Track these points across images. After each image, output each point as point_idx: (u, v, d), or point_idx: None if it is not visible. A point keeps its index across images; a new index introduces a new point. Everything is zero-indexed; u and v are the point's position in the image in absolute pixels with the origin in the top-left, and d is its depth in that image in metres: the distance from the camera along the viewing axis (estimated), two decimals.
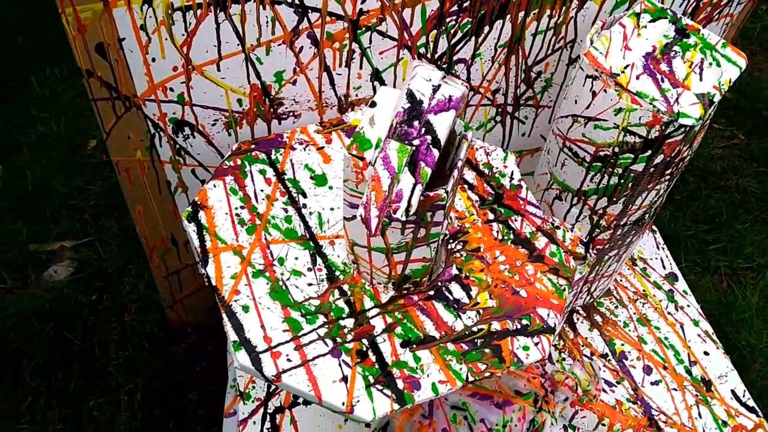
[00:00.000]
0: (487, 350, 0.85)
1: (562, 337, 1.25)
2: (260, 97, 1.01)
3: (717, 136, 2.00)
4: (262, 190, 0.96)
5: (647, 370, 1.23)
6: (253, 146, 1.00)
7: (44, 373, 1.49)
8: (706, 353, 1.26)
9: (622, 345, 1.25)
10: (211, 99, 0.99)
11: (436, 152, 0.68)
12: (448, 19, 0.98)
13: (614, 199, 1.03)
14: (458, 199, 0.98)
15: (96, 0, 0.84)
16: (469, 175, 1.00)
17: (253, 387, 1.20)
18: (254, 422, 1.16)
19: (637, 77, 0.91)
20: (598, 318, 1.29)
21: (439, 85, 0.68)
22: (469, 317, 0.88)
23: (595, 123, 0.95)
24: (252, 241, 0.92)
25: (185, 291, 1.43)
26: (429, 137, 0.67)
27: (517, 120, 1.20)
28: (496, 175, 1.00)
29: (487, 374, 0.84)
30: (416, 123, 0.67)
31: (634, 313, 1.29)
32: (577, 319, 1.29)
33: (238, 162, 0.99)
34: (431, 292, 0.89)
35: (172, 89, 0.97)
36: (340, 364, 0.83)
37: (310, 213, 0.95)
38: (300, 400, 1.18)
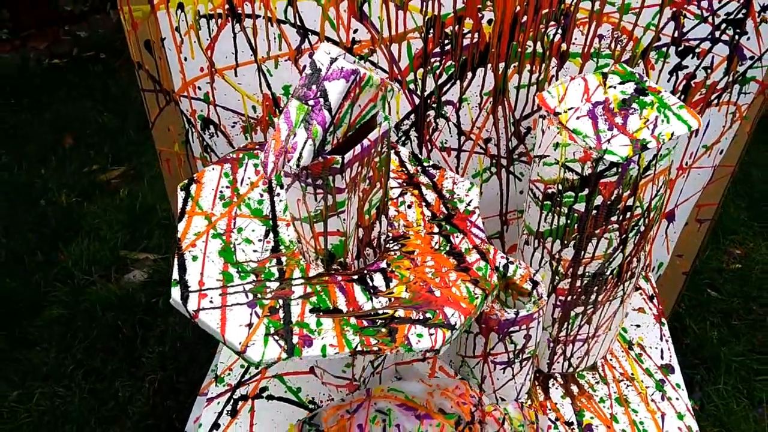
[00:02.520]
0: (383, 330, 0.91)
1: (530, 397, 1.24)
2: (271, 107, 1.19)
3: None
4: (249, 178, 1.12)
5: None
6: (257, 146, 1.17)
7: (91, 350, 1.69)
8: None
9: (592, 418, 1.21)
10: (230, 102, 1.19)
11: (327, 114, 0.80)
12: (432, 59, 1.12)
13: (565, 242, 1.06)
14: (411, 211, 1.07)
15: (144, 2, 1.08)
16: (430, 196, 1.09)
17: (229, 374, 1.30)
18: (218, 402, 1.25)
19: (578, 118, 0.97)
20: (574, 388, 1.26)
21: (336, 58, 0.81)
22: (380, 302, 0.95)
23: (544, 160, 1.02)
24: (223, 212, 1.07)
25: None
26: (322, 100, 0.80)
27: (513, 175, 1.28)
28: (455, 200, 1.09)
29: (375, 348, 0.89)
30: (314, 87, 0.81)
31: (615, 392, 1.25)
32: (553, 384, 1.27)
33: (240, 155, 1.16)
34: (355, 276, 0.98)
35: (200, 88, 1.18)
36: (251, 314, 0.93)
37: (281, 201, 1.08)
38: (264, 394, 1.26)
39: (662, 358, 1.32)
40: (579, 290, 1.12)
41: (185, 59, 1.14)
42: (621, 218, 1.02)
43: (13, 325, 1.75)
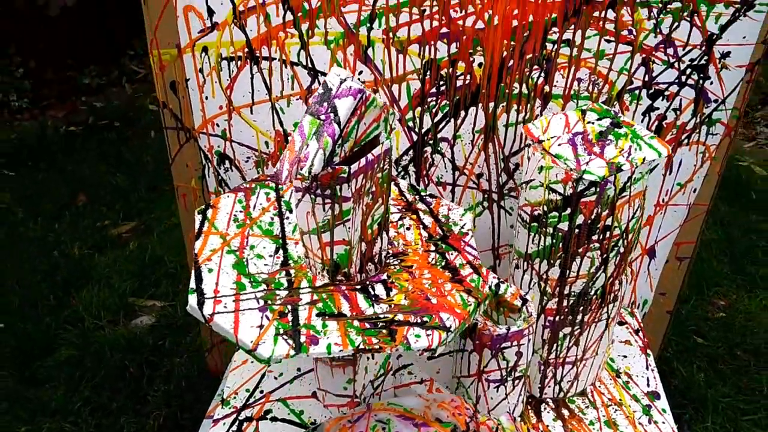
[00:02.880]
0: (384, 331, 0.98)
1: (523, 419, 1.29)
2: (282, 142, 1.30)
3: None
4: (261, 204, 1.21)
5: None
6: (268, 178, 1.28)
7: (98, 389, 1.73)
8: None
9: None
10: (245, 137, 1.30)
11: (336, 127, 0.90)
12: (429, 99, 1.24)
13: (551, 261, 1.15)
14: (410, 232, 1.16)
15: (172, 46, 1.21)
16: (427, 220, 1.19)
17: (234, 397, 1.35)
18: (224, 423, 1.30)
19: (559, 145, 1.08)
20: (565, 412, 1.31)
21: (345, 79, 0.92)
22: (381, 308, 1.02)
23: (530, 184, 1.12)
24: (237, 232, 1.15)
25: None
26: (333, 115, 0.91)
27: (503, 210, 1.38)
28: (450, 223, 1.18)
29: (377, 347, 0.96)
30: (325, 104, 0.91)
31: (603, 416, 1.30)
32: (545, 408, 1.32)
33: (253, 185, 1.26)
34: (357, 286, 1.06)
35: (218, 125, 1.29)
36: (262, 317, 1.00)
37: (290, 223, 1.17)
38: (268, 416, 1.31)
39: (648, 385, 1.37)
40: (566, 310, 1.20)
41: (206, 98, 1.25)
42: (601, 237, 1.11)
43: (25, 365, 1.79)
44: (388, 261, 1.11)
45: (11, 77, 3.17)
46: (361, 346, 0.97)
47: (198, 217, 1.18)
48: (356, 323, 1.00)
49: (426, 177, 1.34)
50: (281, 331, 0.98)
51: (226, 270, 1.08)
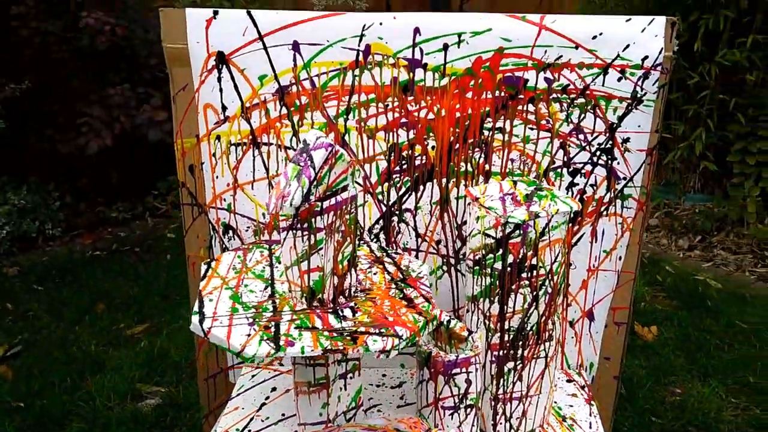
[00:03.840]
0: (348, 337, 1.19)
1: None
2: (276, 214, 1.56)
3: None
4: (255, 258, 1.46)
5: None
6: (263, 242, 1.53)
7: None
8: None
9: None
10: (246, 209, 1.57)
11: (312, 171, 1.17)
12: (394, 176, 1.52)
13: (491, 298, 1.36)
14: (376, 276, 1.39)
15: (192, 136, 1.51)
16: (391, 268, 1.42)
17: None
18: None
19: (492, 200, 1.34)
20: None
21: (320, 136, 1.20)
22: (347, 324, 1.23)
23: (472, 234, 1.36)
24: (234, 276, 1.39)
25: (218, 399, 1.81)
26: (310, 162, 1.18)
27: (460, 273, 1.60)
28: (409, 270, 1.41)
29: (341, 347, 1.16)
30: (304, 155, 1.19)
31: None
32: None
33: (250, 246, 1.51)
34: (329, 310, 1.27)
35: (224, 199, 1.56)
36: (250, 330, 1.21)
37: (277, 269, 1.41)
38: None
39: (590, 427, 1.52)
40: (507, 344, 1.39)
41: (216, 177, 1.54)
42: (530, 275, 1.33)
43: None
44: (356, 295, 1.33)
45: (48, 209, 3.51)
46: (329, 347, 1.17)
47: (203, 267, 1.42)
48: (326, 333, 1.20)
49: (394, 243, 1.58)
50: (264, 337, 1.18)
51: (224, 300, 1.30)
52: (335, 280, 1.29)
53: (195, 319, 1.24)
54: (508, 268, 1.33)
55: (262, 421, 1.56)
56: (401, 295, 1.32)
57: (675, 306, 2.66)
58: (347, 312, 1.27)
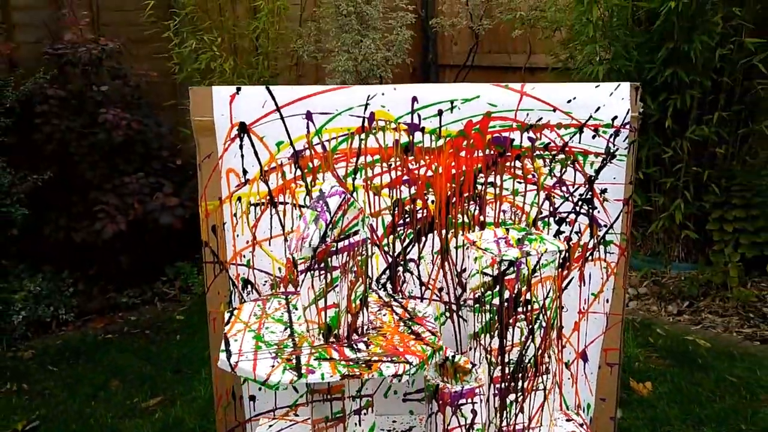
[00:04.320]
0: (363, 365, 1.29)
1: None
2: (291, 268, 1.70)
3: None
4: (274, 306, 1.57)
5: None
6: (280, 293, 1.65)
7: None
8: None
9: None
10: (264, 265, 1.70)
11: (327, 213, 1.32)
12: (398, 228, 1.66)
13: (491, 333, 1.48)
14: (386, 317, 1.50)
15: (216, 198, 1.66)
16: (399, 310, 1.54)
17: None
18: None
19: (488, 243, 1.48)
20: None
21: (333, 186, 1.35)
22: (362, 355, 1.34)
23: (471, 275, 1.50)
24: (255, 321, 1.50)
25: None
26: (325, 208, 1.33)
27: (462, 319, 1.72)
28: (416, 311, 1.53)
29: (358, 373, 1.27)
30: (320, 201, 1.34)
31: None
32: None
33: (269, 297, 1.63)
34: (345, 344, 1.38)
35: (244, 256, 1.70)
36: (273, 362, 1.32)
37: (294, 313, 1.53)
38: None
39: None
40: (508, 377, 1.49)
41: (237, 235, 1.68)
42: (525, 309, 1.46)
43: None
44: (368, 332, 1.44)
45: (62, 296, 3.60)
46: (346, 372, 1.27)
47: (227, 315, 1.54)
48: (343, 362, 1.31)
49: (400, 292, 1.71)
50: (287, 367, 1.29)
51: (247, 340, 1.41)
52: (349, 318, 1.41)
53: (222, 356, 1.35)
54: (505, 303, 1.45)
55: None
56: (409, 331, 1.44)
57: (668, 364, 2.74)
58: (361, 345, 1.38)
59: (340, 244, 1.34)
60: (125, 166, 3.73)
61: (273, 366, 1.30)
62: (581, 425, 1.72)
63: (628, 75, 3.20)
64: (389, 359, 1.31)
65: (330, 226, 1.32)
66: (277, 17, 3.65)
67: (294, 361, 1.32)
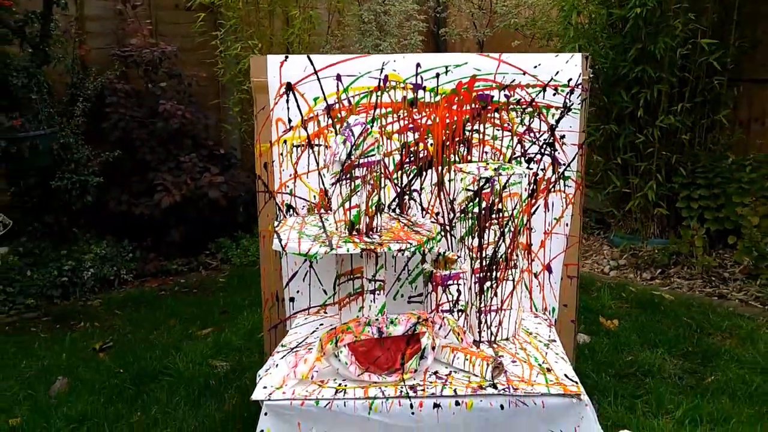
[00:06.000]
0: (377, 244, 1.73)
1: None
2: (323, 196, 2.14)
3: None
4: (311, 219, 2.01)
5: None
6: (315, 213, 2.09)
7: None
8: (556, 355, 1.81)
9: (503, 355, 1.88)
10: (302, 193, 2.14)
11: (352, 138, 1.76)
12: (405, 165, 2.10)
13: (472, 235, 1.90)
14: (393, 223, 1.94)
15: (267, 141, 2.11)
16: (404, 221, 1.97)
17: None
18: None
19: (471, 169, 1.92)
20: (495, 346, 1.94)
21: (357, 119, 1.79)
22: (375, 238, 1.77)
23: (458, 192, 1.93)
24: (297, 225, 1.94)
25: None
26: (351, 134, 1.77)
27: (453, 237, 2.14)
28: (416, 221, 1.96)
29: (372, 247, 1.70)
30: (348, 129, 1.78)
31: (519, 347, 1.92)
32: (480, 343, 1.95)
33: (307, 214, 2.06)
34: (364, 236, 1.82)
35: (287, 186, 2.14)
36: (311, 243, 1.76)
37: (326, 220, 1.97)
38: None
39: (548, 337, 2.00)
40: (485, 268, 1.92)
41: (283, 170, 2.12)
42: (498, 216, 1.88)
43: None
44: (381, 231, 1.87)
45: (122, 259, 4.07)
46: (363, 247, 1.71)
47: (275, 223, 1.98)
48: (362, 243, 1.74)
49: (405, 215, 2.14)
50: (322, 245, 1.73)
51: (293, 234, 1.85)
52: (366, 219, 1.84)
53: (276, 242, 1.79)
54: (483, 212, 1.88)
55: (311, 341, 2.05)
56: (412, 229, 1.87)
57: (635, 310, 3.12)
58: (375, 236, 1.82)
59: (362, 160, 1.78)
60: (178, 151, 4.22)
61: (311, 245, 1.74)
62: (546, 320, 2.13)
63: (604, 71, 3.64)
64: (396, 242, 1.75)
65: (354, 147, 1.77)
66: (308, 25, 4.12)
67: (327, 242, 1.76)
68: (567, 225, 2.15)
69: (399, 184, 2.12)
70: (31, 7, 3.52)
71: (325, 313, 2.21)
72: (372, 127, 2.01)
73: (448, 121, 2.07)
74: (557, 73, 2.04)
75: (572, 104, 2.05)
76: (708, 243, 3.78)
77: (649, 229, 4.10)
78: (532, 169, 2.10)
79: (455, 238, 2.09)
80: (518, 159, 2.09)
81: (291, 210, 2.16)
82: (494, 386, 1.66)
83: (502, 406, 1.64)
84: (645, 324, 2.92)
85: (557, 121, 2.07)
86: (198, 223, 4.38)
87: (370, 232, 1.84)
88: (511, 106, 2.07)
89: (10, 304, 3.52)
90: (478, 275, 1.92)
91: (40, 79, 3.46)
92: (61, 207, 3.84)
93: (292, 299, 2.21)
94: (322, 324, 2.13)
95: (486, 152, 2.09)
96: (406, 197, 2.13)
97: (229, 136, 4.76)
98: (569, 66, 2.04)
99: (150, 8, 4.49)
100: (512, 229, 1.90)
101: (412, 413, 1.64)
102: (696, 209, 3.80)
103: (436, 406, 1.64)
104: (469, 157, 2.09)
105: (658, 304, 3.21)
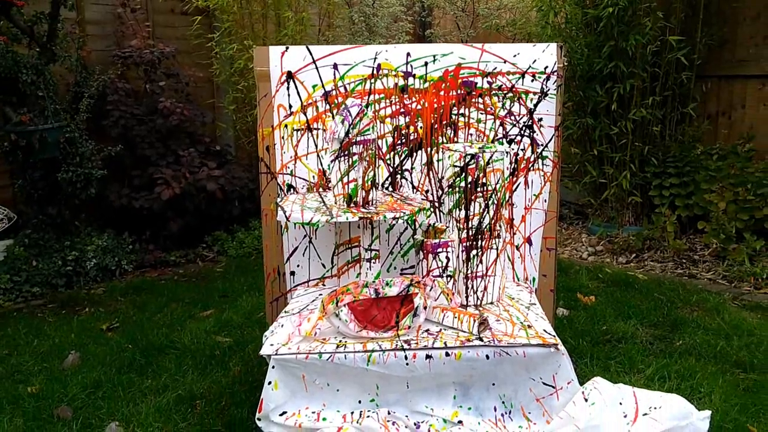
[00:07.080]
0: (374, 213, 1.88)
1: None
2: (322, 176, 2.28)
3: None
4: (311, 196, 2.16)
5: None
6: (315, 192, 2.23)
7: None
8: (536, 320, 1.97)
9: (488, 316, 2.03)
10: (302, 174, 2.28)
11: (350, 117, 1.91)
12: (397, 147, 2.25)
13: (459, 208, 2.06)
14: (387, 197, 2.09)
15: (269, 126, 2.26)
16: (396, 196, 2.12)
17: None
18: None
19: (457, 147, 2.07)
20: (481, 309, 2.09)
21: (354, 101, 1.95)
22: (372, 209, 1.92)
23: (446, 169, 2.08)
24: (299, 201, 2.09)
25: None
26: (348, 114, 1.92)
27: (441, 213, 2.30)
28: (408, 195, 2.11)
29: (369, 216, 1.85)
30: (345, 110, 1.93)
31: (503, 309, 2.08)
32: (467, 306, 2.10)
33: (307, 193, 2.21)
34: (363, 208, 1.97)
35: (288, 167, 2.29)
36: (313, 214, 1.90)
37: (325, 196, 2.11)
38: None
39: (530, 301, 2.16)
40: (471, 237, 2.07)
41: (284, 153, 2.27)
42: (482, 190, 2.04)
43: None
44: (376, 204, 2.02)
45: (123, 251, 4.18)
46: (361, 216, 1.86)
47: (278, 199, 2.13)
48: (359, 213, 1.89)
49: (398, 192, 2.29)
50: (323, 215, 1.88)
51: (295, 207, 2.00)
52: (363, 193, 1.99)
53: (280, 212, 1.94)
54: (469, 186, 2.04)
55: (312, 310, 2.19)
56: (404, 202, 2.02)
57: (610, 288, 3.29)
58: (371, 208, 1.97)
59: (358, 138, 1.93)
60: (176, 147, 4.35)
61: (313, 215, 1.89)
62: (527, 288, 2.29)
63: (580, 68, 3.82)
64: (391, 212, 1.90)
65: (351, 126, 1.92)
66: (301, 26, 4.27)
67: (327, 212, 1.91)
68: (545, 201, 2.31)
69: (391, 165, 2.27)
70: (38, 8, 3.64)
71: (324, 285, 2.36)
72: (367, 110, 2.16)
73: (436, 105, 2.23)
74: (535, 61, 2.21)
75: (549, 90, 2.22)
76: (679, 228, 3.96)
77: (624, 217, 4.28)
78: (513, 149, 2.27)
79: (443, 213, 2.24)
80: (500, 140, 2.26)
81: (291, 189, 2.30)
82: (480, 339, 1.82)
83: (487, 356, 1.80)
84: (620, 300, 3.10)
85: (535, 106, 2.23)
86: (195, 217, 4.50)
87: (367, 205, 1.99)
88: (494, 92, 2.23)
89: (17, 292, 3.62)
90: (464, 244, 2.08)
91: (47, 77, 3.58)
92: (64, 200, 3.95)
93: (292, 273, 2.35)
94: (320, 294, 2.27)
95: (471, 134, 2.25)
96: (398, 176, 2.28)
97: (224, 134, 4.90)
98: (545, 55, 2.21)
99: (148, 12, 4.62)
100: (495, 202, 2.06)
101: (407, 364, 1.79)
102: (667, 197, 3.99)
103: (428, 357, 1.79)
104: (455, 139, 2.25)
105: (632, 283, 3.39)
